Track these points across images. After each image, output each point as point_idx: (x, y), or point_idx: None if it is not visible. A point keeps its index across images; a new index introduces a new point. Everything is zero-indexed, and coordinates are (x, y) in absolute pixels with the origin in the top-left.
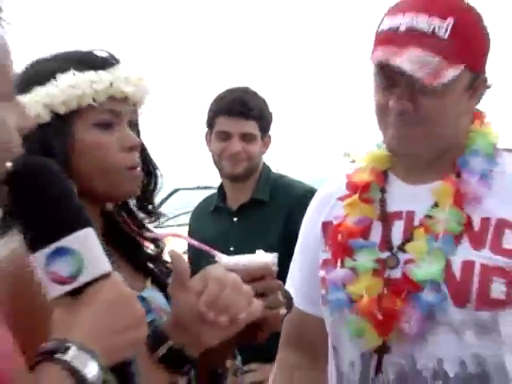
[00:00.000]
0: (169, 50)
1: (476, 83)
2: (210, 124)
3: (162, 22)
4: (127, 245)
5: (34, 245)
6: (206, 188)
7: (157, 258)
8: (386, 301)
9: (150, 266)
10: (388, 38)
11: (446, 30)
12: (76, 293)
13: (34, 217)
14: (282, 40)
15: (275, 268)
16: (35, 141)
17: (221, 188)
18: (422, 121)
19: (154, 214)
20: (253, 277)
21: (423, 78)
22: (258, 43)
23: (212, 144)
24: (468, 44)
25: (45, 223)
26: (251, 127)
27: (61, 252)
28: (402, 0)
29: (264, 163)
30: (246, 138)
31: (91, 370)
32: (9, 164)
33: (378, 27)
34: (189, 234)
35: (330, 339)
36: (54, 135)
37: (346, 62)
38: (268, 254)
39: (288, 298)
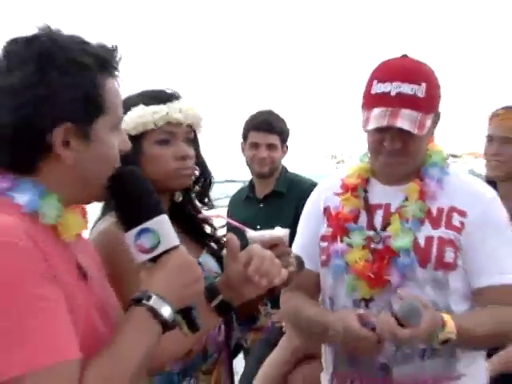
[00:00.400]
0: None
1: (437, 118)
2: (245, 136)
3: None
4: (189, 224)
5: (127, 226)
6: (232, 181)
7: (212, 235)
8: (374, 265)
9: (206, 240)
10: (382, 100)
11: (422, 91)
12: (155, 259)
13: (127, 207)
14: (281, 44)
15: (287, 239)
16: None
17: (251, 182)
18: (407, 155)
19: (209, 203)
20: (271, 244)
21: (414, 131)
22: (259, 49)
23: (246, 151)
24: (435, 98)
25: (134, 212)
26: (274, 139)
27: (145, 231)
28: (387, 68)
29: (282, 165)
30: (270, 147)
31: (166, 311)
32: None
33: (370, 89)
34: (227, 216)
35: (328, 292)
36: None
37: (337, 67)
38: (282, 230)
39: (299, 261)
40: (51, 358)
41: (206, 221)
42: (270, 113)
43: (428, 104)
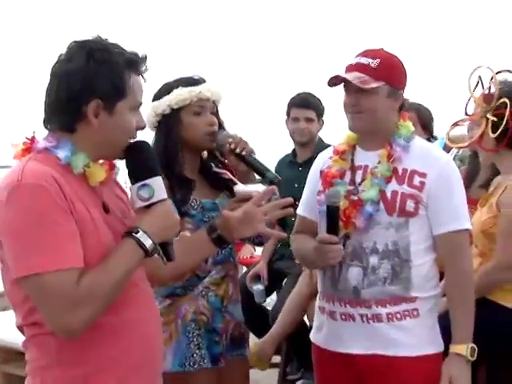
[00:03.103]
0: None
1: (396, 95)
2: (288, 113)
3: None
4: (211, 175)
5: (133, 180)
6: None
7: (227, 184)
8: (349, 210)
9: (223, 187)
10: (347, 68)
11: (375, 64)
12: (148, 206)
13: (134, 167)
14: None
15: (268, 194)
16: (165, 122)
17: (294, 150)
18: (362, 110)
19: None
20: (247, 197)
21: (355, 81)
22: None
23: (289, 125)
24: (387, 72)
25: (139, 171)
26: (311, 114)
27: (145, 186)
28: (365, 50)
29: (319, 136)
30: (308, 120)
31: (148, 243)
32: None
33: None
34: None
35: (321, 233)
36: (172, 119)
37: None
38: (263, 186)
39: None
40: (56, 265)
41: (223, 174)
42: (308, 93)
43: (377, 73)
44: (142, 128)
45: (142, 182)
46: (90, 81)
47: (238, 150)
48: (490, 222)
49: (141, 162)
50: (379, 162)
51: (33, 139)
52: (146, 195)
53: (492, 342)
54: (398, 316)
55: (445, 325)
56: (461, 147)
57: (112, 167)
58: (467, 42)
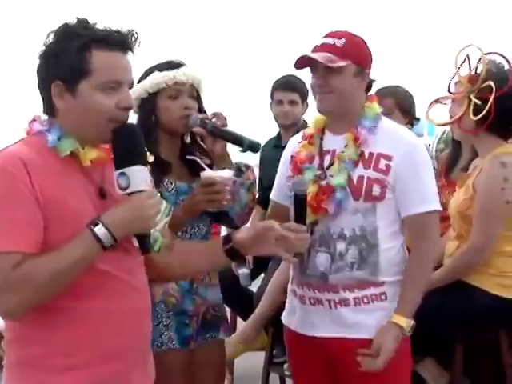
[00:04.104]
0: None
1: (362, 74)
2: (272, 95)
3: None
4: (191, 160)
5: (115, 167)
6: None
7: (203, 169)
8: (318, 197)
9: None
10: (313, 49)
11: (341, 44)
12: (128, 196)
13: (117, 154)
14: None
15: (230, 179)
16: (142, 106)
17: (278, 133)
18: (329, 89)
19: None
20: (211, 182)
21: (324, 62)
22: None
23: (273, 107)
24: (353, 51)
25: (121, 158)
26: (295, 97)
27: (122, 174)
28: (330, 31)
29: (303, 119)
30: (292, 103)
31: (105, 236)
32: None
33: None
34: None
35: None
36: (148, 103)
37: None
38: (229, 172)
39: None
40: (1, 248)
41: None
42: (292, 75)
43: (344, 52)
44: (128, 108)
45: (121, 170)
46: (51, 62)
47: (208, 126)
48: (466, 204)
49: (122, 149)
50: (346, 146)
51: (31, 123)
52: (124, 184)
53: (469, 322)
54: (365, 300)
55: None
56: (439, 124)
57: (108, 152)
58: (453, 22)
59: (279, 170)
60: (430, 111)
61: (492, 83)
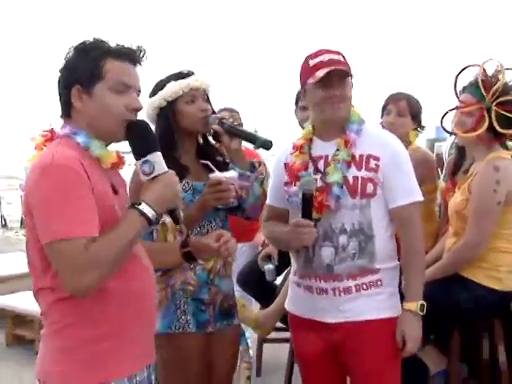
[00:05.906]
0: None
1: (352, 84)
2: (296, 102)
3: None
4: (204, 157)
5: (136, 157)
6: None
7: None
8: (320, 196)
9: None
10: (320, 64)
11: (342, 58)
12: (152, 179)
13: (136, 145)
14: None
15: (235, 179)
16: (162, 114)
17: None
18: (345, 99)
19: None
20: (217, 182)
21: (348, 71)
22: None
23: (298, 113)
24: (348, 64)
25: (140, 149)
26: None
27: (146, 161)
28: (315, 52)
29: None
30: None
31: (149, 212)
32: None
33: (307, 65)
34: None
35: (290, 219)
36: (168, 110)
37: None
38: (234, 172)
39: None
40: (74, 233)
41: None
42: None
43: (347, 65)
44: (138, 109)
45: (144, 159)
46: (71, 70)
47: (225, 126)
48: (462, 204)
49: (139, 140)
50: (338, 150)
51: (52, 130)
52: (148, 170)
53: (465, 312)
54: (365, 287)
55: (430, 294)
56: (453, 133)
57: (120, 157)
58: (454, 36)
59: (273, 175)
60: (444, 119)
61: None
